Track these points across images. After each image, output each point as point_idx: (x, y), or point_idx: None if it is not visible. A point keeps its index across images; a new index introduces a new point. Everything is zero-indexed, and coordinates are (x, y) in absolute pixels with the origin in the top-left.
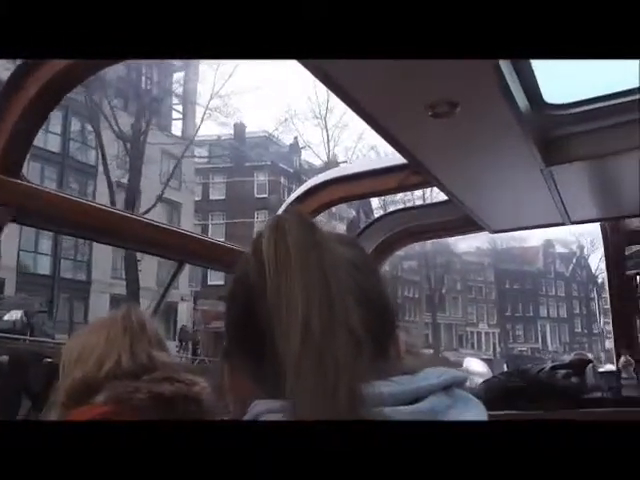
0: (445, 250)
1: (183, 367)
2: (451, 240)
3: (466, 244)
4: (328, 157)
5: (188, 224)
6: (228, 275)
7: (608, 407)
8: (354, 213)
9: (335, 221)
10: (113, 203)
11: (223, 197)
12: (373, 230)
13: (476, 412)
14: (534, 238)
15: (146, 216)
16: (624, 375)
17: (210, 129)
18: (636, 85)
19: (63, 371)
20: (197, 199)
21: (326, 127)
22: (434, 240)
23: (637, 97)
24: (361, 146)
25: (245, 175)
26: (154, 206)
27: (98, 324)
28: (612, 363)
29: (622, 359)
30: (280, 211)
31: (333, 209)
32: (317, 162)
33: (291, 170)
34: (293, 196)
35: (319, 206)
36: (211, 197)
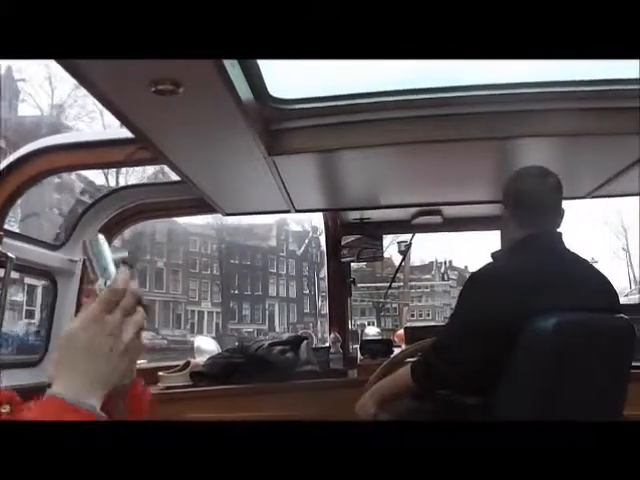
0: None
1: None
2: None
3: None
4: None
5: None
6: None
7: (317, 378)
8: (83, 185)
9: (65, 193)
10: None
11: None
12: (104, 204)
13: None
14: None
15: None
16: (332, 350)
17: None
18: (365, 90)
19: None
20: None
21: None
22: None
23: (363, 100)
24: None
25: None
26: None
27: None
28: None
29: (332, 336)
30: None
31: (60, 178)
32: None
33: None
34: (10, 158)
35: (39, 173)
36: None
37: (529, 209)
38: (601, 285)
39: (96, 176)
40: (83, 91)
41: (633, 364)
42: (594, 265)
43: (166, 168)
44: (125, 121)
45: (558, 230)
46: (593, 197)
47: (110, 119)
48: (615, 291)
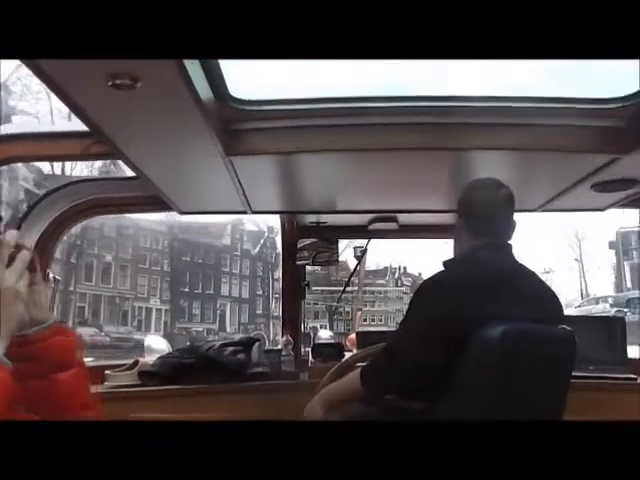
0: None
1: None
2: None
3: None
4: None
5: None
6: None
7: (268, 380)
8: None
9: (21, 181)
10: None
11: None
12: (57, 197)
13: None
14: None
15: None
16: (284, 352)
17: None
18: (326, 95)
19: None
20: None
21: None
22: None
23: (323, 105)
24: None
25: None
26: None
27: None
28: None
29: (284, 338)
30: None
31: (8, 166)
32: None
33: None
34: None
35: None
36: None
37: (481, 219)
38: (546, 296)
39: (44, 165)
40: (27, 70)
41: (574, 374)
42: (543, 276)
43: (119, 161)
44: (80, 114)
45: (509, 242)
46: (544, 211)
47: (60, 103)
48: (559, 302)
